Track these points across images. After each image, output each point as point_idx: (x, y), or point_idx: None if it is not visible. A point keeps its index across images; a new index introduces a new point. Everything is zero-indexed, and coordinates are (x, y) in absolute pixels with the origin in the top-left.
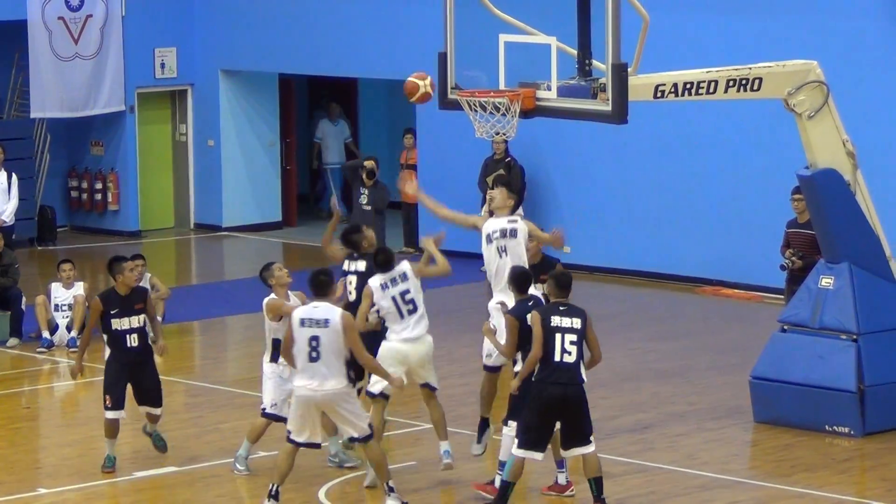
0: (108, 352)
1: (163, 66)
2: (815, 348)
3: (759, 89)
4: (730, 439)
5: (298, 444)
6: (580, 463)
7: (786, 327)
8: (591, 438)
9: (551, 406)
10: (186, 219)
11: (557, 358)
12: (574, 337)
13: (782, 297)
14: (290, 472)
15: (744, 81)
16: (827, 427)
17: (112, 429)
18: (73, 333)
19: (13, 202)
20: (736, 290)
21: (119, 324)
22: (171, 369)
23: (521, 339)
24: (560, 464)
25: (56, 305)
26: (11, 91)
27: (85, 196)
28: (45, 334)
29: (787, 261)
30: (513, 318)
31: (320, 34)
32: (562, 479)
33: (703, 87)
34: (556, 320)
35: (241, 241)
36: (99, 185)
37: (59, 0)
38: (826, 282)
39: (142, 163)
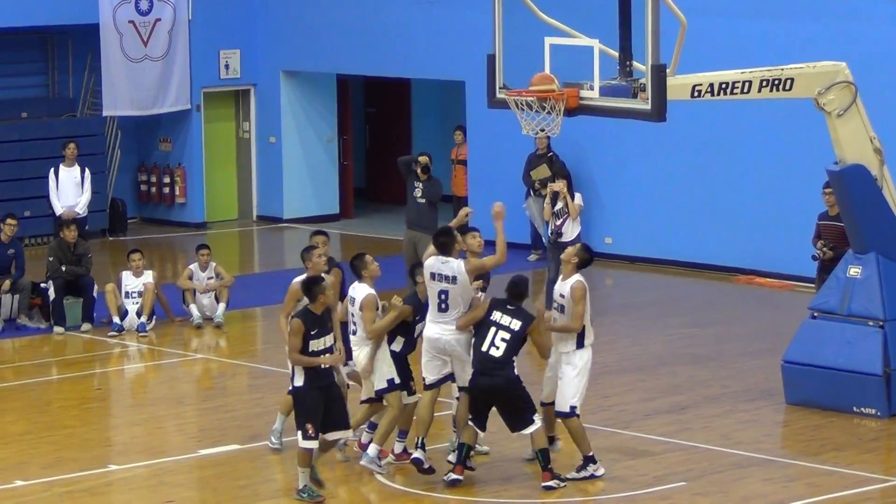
0: (299, 377)
1: (227, 67)
2: (844, 334)
3: (790, 89)
4: (762, 420)
5: (436, 384)
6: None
7: (816, 314)
8: (535, 418)
9: (481, 393)
10: (249, 211)
11: (485, 348)
12: (507, 335)
13: (813, 285)
14: (433, 421)
15: (776, 81)
16: (854, 409)
17: (308, 457)
18: (143, 319)
19: (86, 195)
20: (769, 280)
21: (316, 345)
22: (235, 353)
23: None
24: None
25: (126, 293)
26: (85, 91)
27: (154, 189)
28: (116, 320)
29: (818, 251)
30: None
31: (376, 37)
32: (398, 448)
33: (737, 87)
34: (496, 315)
35: (300, 232)
36: (167, 180)
37: (130, 4)
38: (854, 271)
39: (207, 158)
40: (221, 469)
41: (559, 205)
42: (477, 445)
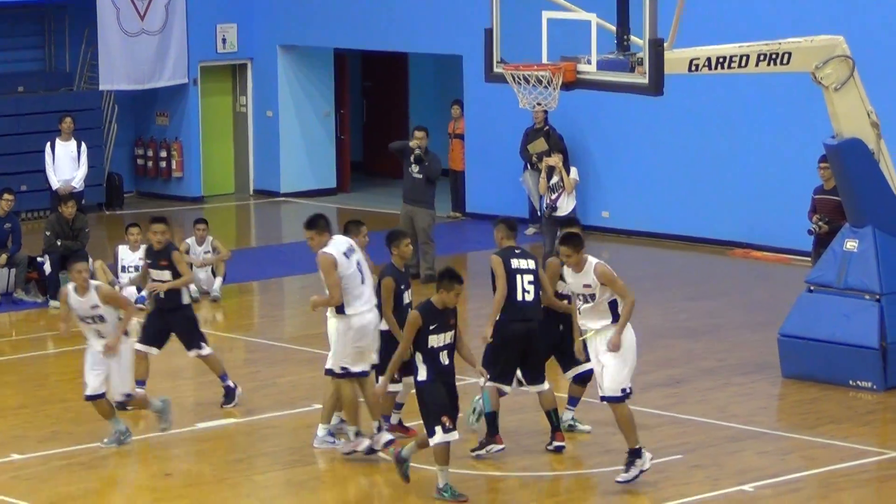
0: (420, 371)
1: (224, 41)
2: (840, 307)
3: (788, 63)
4: (758, 393)
5: None
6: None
7: (812, 288)
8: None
9: (516, 341)
10: (246, 185)
11: (519, 297)
12: (531, 277)
13: (809, 259)
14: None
15: (774, 56)
16: (851, 382)
17: (447, 453)
18: (143, 293)
19: (83, 169)
20: (765, 253)
21: (435, 340)
22: (231, 327)
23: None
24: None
25: (123, 267)
26: (81, 65)
27: (150, 164)
28: None
29: (814, 225)
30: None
31: (373, 11)
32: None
33: (735, 61)
34: (514, 263)
35: (297, 206)
36: (164, 154)
37: None
38: (851, 245)
39: (204, 132)
40: (218, 443)
41: (554, 179)
42: (577, 424)
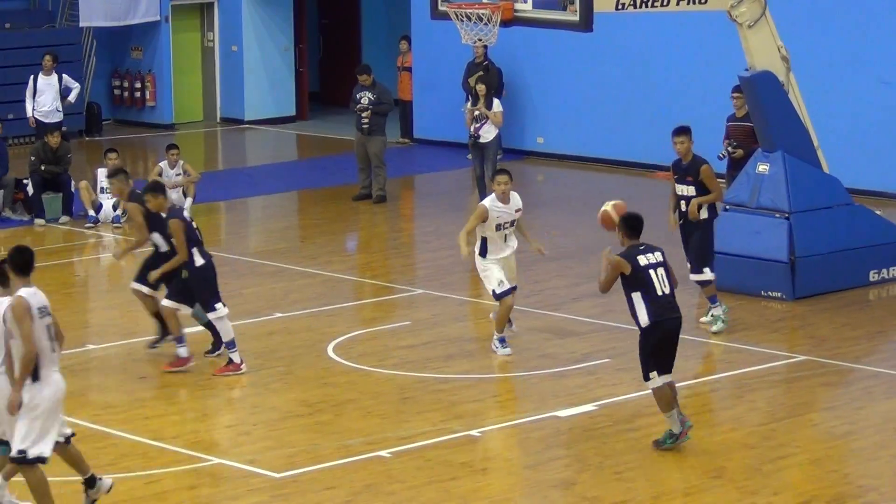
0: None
1: None
2: (753, 225)
3: (706, 2)
4: (679, 303)
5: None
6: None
7: (728, 207)
8: None
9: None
10: (213, 113)
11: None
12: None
13: (724, 181)
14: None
15: None
16: (762, 292)
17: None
18: (118, 212)
19: (75, 91)
20: None
21: (643, 260)
22: None
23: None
24: (179, 339)
25: (102, 188)
26: (63, 3)
27: (126, 94)
28: (91, 213)
29: (723, 151)
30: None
31: None
32: (183, 353)
33: (658, 1)
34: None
35: (260, 132)
36: (138, 85)
37: None
38: (763, 168)
39: (175, 65)
40: (190, 348)
41: (479, 109)
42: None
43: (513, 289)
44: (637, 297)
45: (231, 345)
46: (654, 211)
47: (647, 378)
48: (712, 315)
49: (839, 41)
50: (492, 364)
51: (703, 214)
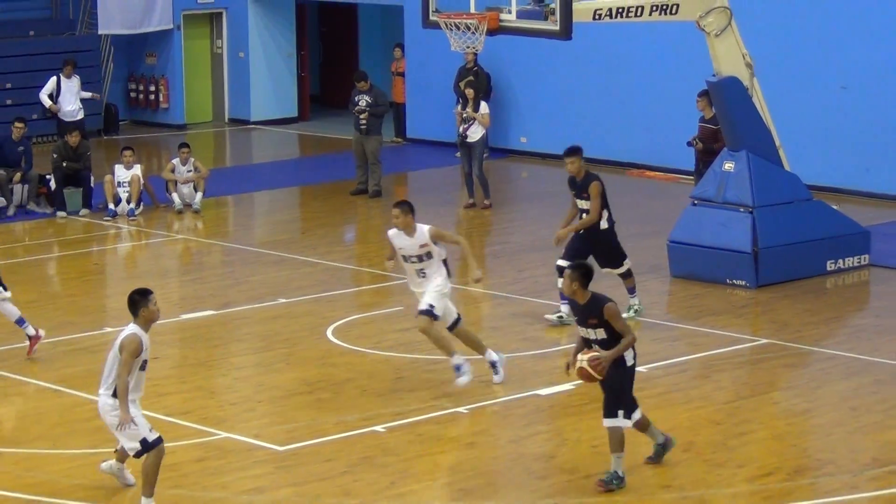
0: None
1: None
2: (719, 218)
3: (676, 13)
4: (651, 290)
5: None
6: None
7: (696, 202)
8: None
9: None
10: (222, 114)
11: None
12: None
13: (692, 178)
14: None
15: (664, 7)
16: (728, 280)
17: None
18: (132, 205)
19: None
20: (657, 173)
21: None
22: (210, 234)
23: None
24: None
25: (118, 183)
26: (83, 13)
27: (141, 96)
28: (111, 206)
29: (692, 140)
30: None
31: None
32: (31, 331)
33: (632, 11)
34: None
35: (265, 132)
36: (152, 88)
37: None
38: (728, 166)
39: (186, 70)
40: (199, 331)
41: (467, 112)
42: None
43: (433, 317)
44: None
45: (21, 322)
46: (629, 206)
47: (634, 413)
48: (633, 307)
49: (800, 49)
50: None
51: (604, 224)
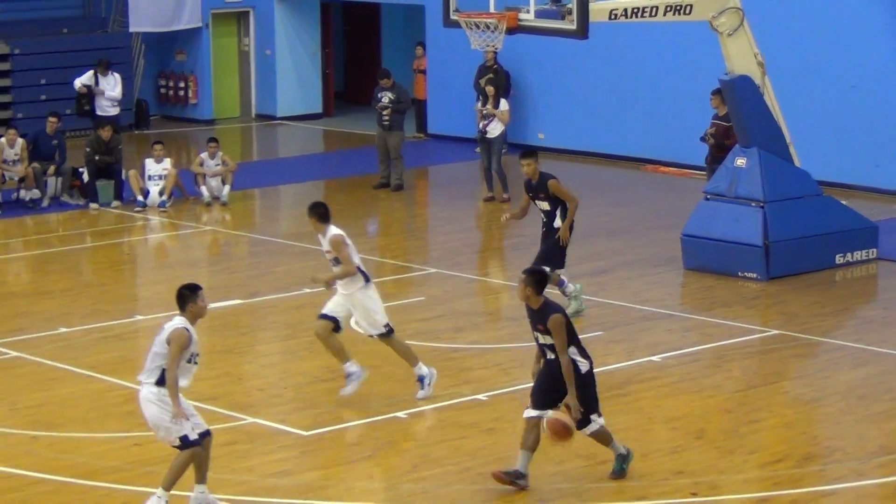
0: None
1: None
2: (731, 213)
3: (690, 13)
4: (666, 282)
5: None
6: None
7: (709, 196)
8: None
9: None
10: (249, 110)
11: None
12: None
13: (705, 174)
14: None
15: (678, 7)
16: (739, 273)
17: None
18: (164, 197)
19: (118, 89)
20: (671, 168)
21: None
22: (237, 226)
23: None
24: None
25: (149, 176)
26: (115, 11)
27: (171, 92)
28: (139, 198)
29: (705, 135)
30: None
31: None
32: None
33: (646, 12)
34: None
35: (291, 127)
36: (182, 84)
37: None
38: (740, 162)
39: (214, 67)
40: (227, 319)
41: (487, 108)
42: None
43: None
44: (572, 350)
45: None
46: (644, 200)
47: (594, 417)
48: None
49: (811, 48)
50: (497, 336)
51: (558, 223)
